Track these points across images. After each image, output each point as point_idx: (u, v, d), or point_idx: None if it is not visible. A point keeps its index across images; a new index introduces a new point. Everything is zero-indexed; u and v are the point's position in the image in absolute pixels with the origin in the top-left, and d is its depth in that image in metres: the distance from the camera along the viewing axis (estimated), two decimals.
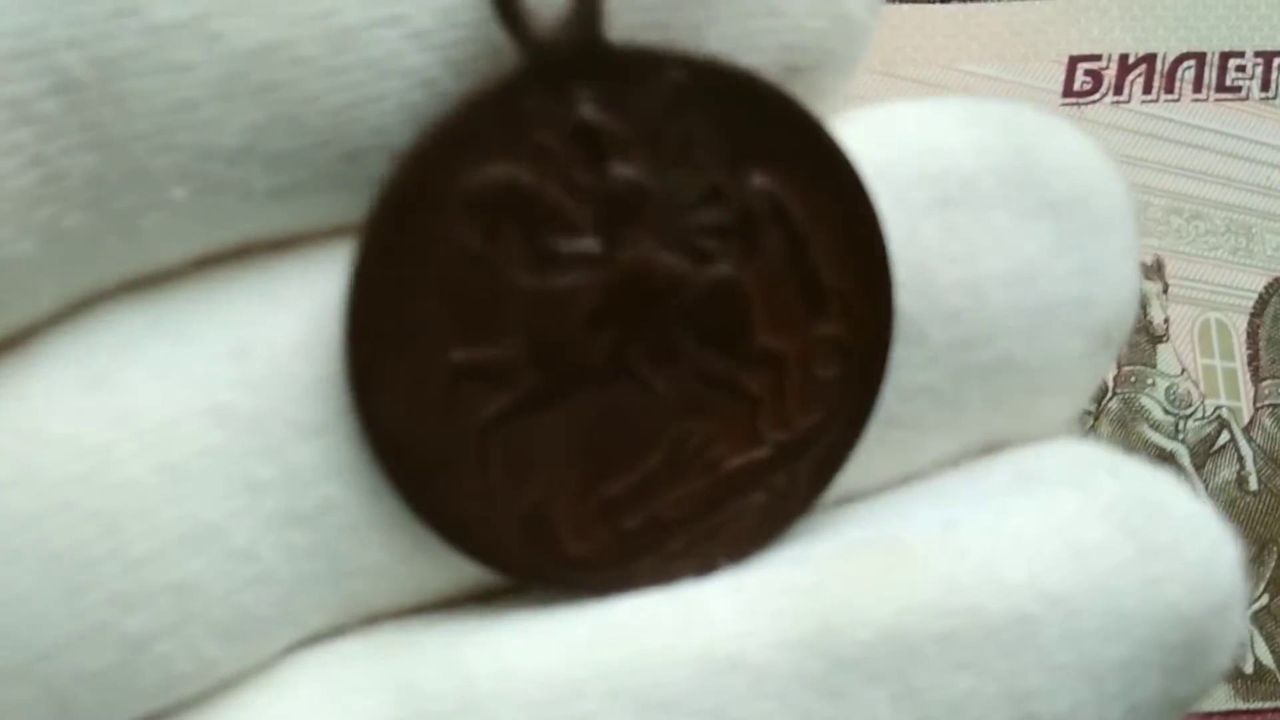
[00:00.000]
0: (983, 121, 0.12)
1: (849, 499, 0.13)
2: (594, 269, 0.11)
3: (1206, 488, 0.41)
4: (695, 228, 0.11)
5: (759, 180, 0.11)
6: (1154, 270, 0.43)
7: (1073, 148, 0.13)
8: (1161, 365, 0.42)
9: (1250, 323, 0.45)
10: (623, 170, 0.11)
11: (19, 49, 0.10)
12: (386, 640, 0.12)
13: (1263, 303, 0.45)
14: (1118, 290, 0.13)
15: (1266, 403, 0.43)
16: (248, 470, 0.11)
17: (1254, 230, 0.46)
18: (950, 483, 0.13)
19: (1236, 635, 0.13)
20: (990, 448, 0.13)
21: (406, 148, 0.11)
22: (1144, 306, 0.42)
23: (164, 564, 0.11)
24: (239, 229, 0.12)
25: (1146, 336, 0.42)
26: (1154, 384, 0.41)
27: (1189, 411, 0.41)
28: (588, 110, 0.11)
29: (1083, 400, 0.13)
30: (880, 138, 0.12)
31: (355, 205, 0.11)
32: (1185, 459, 0.41)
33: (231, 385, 0.11)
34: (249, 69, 0.11)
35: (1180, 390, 0.42)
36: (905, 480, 0.13)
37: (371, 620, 0.12)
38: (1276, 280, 0.46)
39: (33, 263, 0.11)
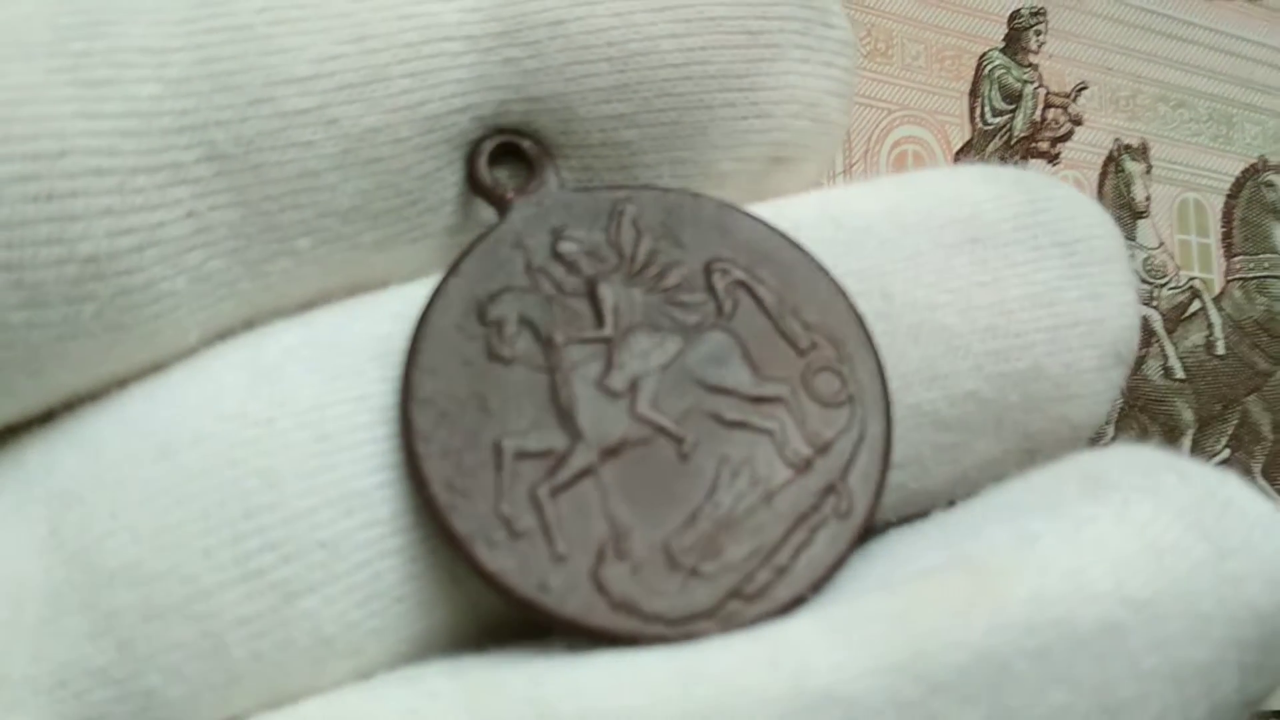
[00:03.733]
0: (998, 179, 0.14)
1: (914, 505, 0.14)
2: (600, 351, 0.13)
3: (1177, 350, 0.44)
4: (678, 305, 0.13)
5: (717, 262, 0.14)
6: (1140, 152, 0.46)
7: (1072, 199, 0.15)
8: (1140, 238, 0.45)
9: (1226, 203, 0.48)
10: (603, 279, 0.13)
11: (178, 125, 0.12)
12: (471, 679, 0.12)
13: (1239, 185, 0.49)
14: (1122, 312, 0.14)
15: (1236, 276, 0.47)
16: (390, 450, 0.12)
17: (1234, 119, 0.49)
18: (1018, 494, 0.13)
19: None
20: (1030, 453, 0.14)
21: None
22: (1128, 185, 0.45)
23: (318, 522, 0.12)
24: (350, 275, 0.13)
25: (1129, 212, 0.44)
26: (1132, 255, 0.45)
27: (1163, 281, 0.45)
28: (565, 245, 0.13)
29: (1103, 408, 0.14)
30: (917, 193, 0.14)
31: (439, 253, 0.14)
32: (1158, 324, 0.44)
33: (377, 380, 0.13)
34: (359, 146, 0.13)
35: (1157, 261, 0.45)
36: (960, 486, 0.14)
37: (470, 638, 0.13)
38: (1252, 166, 0.49)
39: (181, 299, 0.13)
